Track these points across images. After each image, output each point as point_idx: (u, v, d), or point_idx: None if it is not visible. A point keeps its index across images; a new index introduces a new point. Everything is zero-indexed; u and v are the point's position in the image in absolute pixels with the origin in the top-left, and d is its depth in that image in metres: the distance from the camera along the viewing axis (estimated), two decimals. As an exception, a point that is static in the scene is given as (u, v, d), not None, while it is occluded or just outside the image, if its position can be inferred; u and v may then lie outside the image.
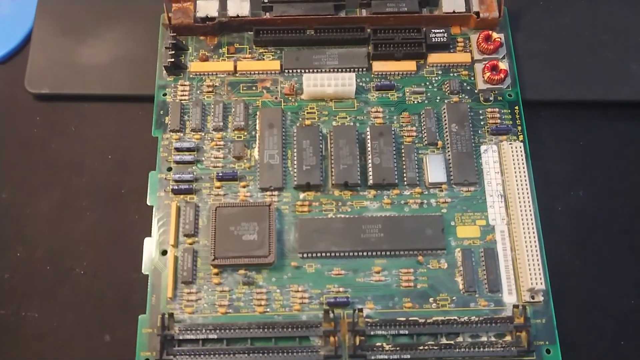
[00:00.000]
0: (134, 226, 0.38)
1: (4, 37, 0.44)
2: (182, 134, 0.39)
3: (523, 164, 0.38)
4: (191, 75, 0.41)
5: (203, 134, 0.39)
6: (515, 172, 0.38)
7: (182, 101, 0.40)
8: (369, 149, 0.38)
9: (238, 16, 0.41)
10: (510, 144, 0.39)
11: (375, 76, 0.41)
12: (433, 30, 0.41)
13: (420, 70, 0.41)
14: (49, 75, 0.42)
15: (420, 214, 0.37)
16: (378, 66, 0.41)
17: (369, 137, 0.39)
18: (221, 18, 0.41)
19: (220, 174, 0.38)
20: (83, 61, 0.42)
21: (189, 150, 0.39)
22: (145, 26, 0.43)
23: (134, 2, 0.44)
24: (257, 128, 0.39)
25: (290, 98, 0.41)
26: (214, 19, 0.41)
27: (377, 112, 0.40)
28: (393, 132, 0.39)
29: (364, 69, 0.41)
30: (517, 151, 0.38)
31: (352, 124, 0.40)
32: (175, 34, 0.41)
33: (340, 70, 0.41)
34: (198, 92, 0.41)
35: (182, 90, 0.41)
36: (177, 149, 0.39)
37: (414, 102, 0.41)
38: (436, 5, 0.43)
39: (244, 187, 0.38)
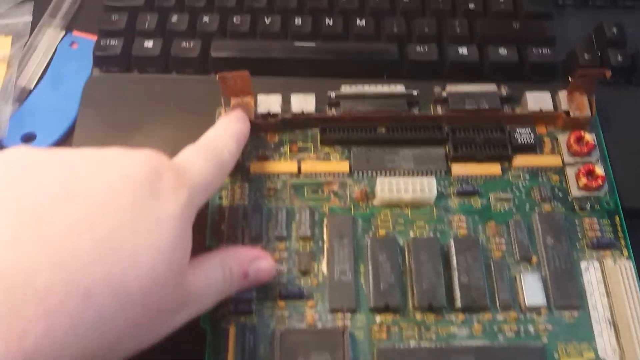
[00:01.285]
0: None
1: (44, 130, 0.40)
2: (240, 244, 0.35)
3: (634, 285, 0.33)
4: (250, 177, 0.37)
5: (263, 244, 0.35)
6: (624, 295, 0.33)
7: (239, 206, 0.36)
8: (455, 264, 0.34)
9: (303, 113, 0.38)
10: (615, 260, 0.34)
11: (455, 180, 0.38)
12: (518, 130, 0.38)
13: (505, 173, 0.38)
14: None
15: (518, 344, 0.32)
16: (458, 169, 0.38)
17: (453, 250, 0.34)
18: (284, 114, 0.38)
19: (284, 292, 0.34)
20: None
21: (247, 263, 0.34)
22: (198, 122, 0.39)
23: (186, 95, 0.41)
24: (325, 238, 0.36)
25: (360, 204, 0.37)
26: (277, 115, 0.38)
27: (459, 221, 0.37)
28: (480, 245, 0.35)
29: (443, 172, 0.38)
30: (624, 270, 0.34)
31: (432, 234, 0.36)
32: (233, 131, 0.37)
33: (416, 173, 0.38)
34: (258, 195, 0.37)
35: (240, 194, 0.37)
36: (235, 262, 0.34)
37: (500, 210, 0.37)
38: (518, 103, 0.39)
39: (311, 307, 0.33)
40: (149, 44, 0.41)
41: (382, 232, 0.36)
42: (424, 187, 0.36)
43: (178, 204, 0.27)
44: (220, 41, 0.41)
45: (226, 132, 0.35)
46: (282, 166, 0.37)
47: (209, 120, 0.38)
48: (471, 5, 0.42)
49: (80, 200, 0.24)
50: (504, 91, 0.39)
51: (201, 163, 0.31)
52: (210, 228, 0.36)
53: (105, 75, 0.41)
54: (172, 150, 0.38)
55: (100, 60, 0.41)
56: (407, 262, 0.35)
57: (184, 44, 0.41)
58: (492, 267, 0.35)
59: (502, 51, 0.41)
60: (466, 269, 0.34)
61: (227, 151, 0.33)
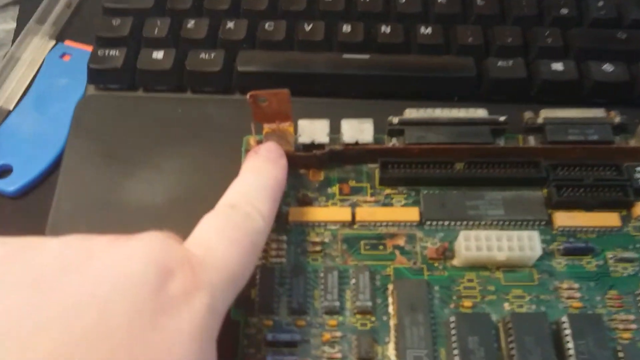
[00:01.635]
0: None
1: (23, 162, 0.33)
2: (276, 318, 0.27)
3: None
4: (288, 227, 0.30)
5: (309, 319, 0.27)
6: None
7: (275, 265, 0.29)
8: (571, 350, 0.26)
9: (357, 143, 0.30)
10: None
11: (559, 233, 0.30)
12: (638, 169, 0.29)
13: (626, 225, 0.30)
14: (80, 217, 0.31)
15: None
16: (562, 218, 0.30)
17: (568, 331, 0.26)
18: (333, 145, 0.30)
19: (340, 388, 0.26)
20: (130, 201, 0.32)
21: (287, 344, 0.27)
22: (220, 155, 0.32)
23: (204, 119, 0.34)
24: (391, 311, 0.28)
25: (436, 264, 0.29)
26: (323, 146, 0.30)
27: (570, 289, 0.28)
28: (604, 325, 0.27)
29: (542, 223, 0.30)
30: None
31: (532, 306, 0.28)
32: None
33: (507, 223, 0.30)
34: (299, 251, 0.29)
35: (275, 249, 0.29)
36: (270, 343, 0.27)
37: (622, 273, 0.29)
38: (632, 133, 0.31)
39: (376, 409, 0.25)
40: (158, 55, 0.35)
41: (467, 303, 0.28)
42: (524, 244, 0.28)
43: (195, 317, 0.20)
44: (249, 52, 0.35)
45: (258, 184, 0.27)
46: (330, 213, 0.30)
47: (233, 154, 0.31)
48: (563, 11, 0.35)
49: (52, 328, 0.18)
50: (616, 118, 0.31)
51: (225, 245, 0.24)
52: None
53: (102, 94, 0.36)
54: (185, 195, 0.32)
55: (97, 75, 0.35)
56: (503, 346, 0.27)
57: (203, 55, 0.35)
58: (622, 354, 0.26)
59: (608, 68, 0.33)
60: (588, 358, 0.25)
61: (261, 217, 0.25)
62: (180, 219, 0.25)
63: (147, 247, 0.21)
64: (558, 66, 0.34)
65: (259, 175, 0.28)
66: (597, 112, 0.31)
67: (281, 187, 0.28)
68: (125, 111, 0.34)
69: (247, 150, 0.31)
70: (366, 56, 0.35)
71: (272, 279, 0.28)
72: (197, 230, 0.24)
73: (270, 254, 0.29)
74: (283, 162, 0.29)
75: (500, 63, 0.35)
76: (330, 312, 0.27)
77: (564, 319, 0.26)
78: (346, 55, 0.35)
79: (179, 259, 0.21)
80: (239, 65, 0.35)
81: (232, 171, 0.30)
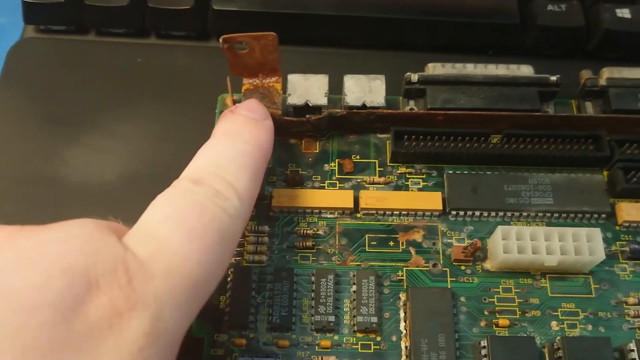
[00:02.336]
0: None
1: None
2: (252, 335, 0.22)
3: None
4: (272, 213, 0.25)
5: (295, 337, 0.22)
6: None
7: (253, 265, 0.23)
8: None
9: (364, 106, 0.25)
10: None
11: (624, 230, 0.24)
12: None
13: None
14: (5, 195, 0.26)
15: None
16: (630, 211, 0.25)
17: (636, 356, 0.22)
18: (333, 109, 0.25)
19: None
20: (71, 175, 0.27)
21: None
22: (189, 116, 0.28)
23: (170, 70, 0.30)
24: (403, 329, 0.22)
25: (463, 268, 0.24)
26: (320, 109, 0.25)
27: (639, 304, 0.23)
28: None
29: (603, 216, 0.24)
30: None
31: (588, 326, 0.23)
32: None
33: (558, 215, 0.24)
34: (284, 246, 0.24)
35: (253, 243, 0.24)
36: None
37: None
38: None
39: None
40: (114, -11, 0.32)
41: (503, 321, 0.23)
42: (582, 245, 0.23)
43: (127, 351, 0.15)
44: (228, -14, 0.31)
45: (233, 152, 0.21)
46: (327, 197, 0.25)
47: (207, 117, 0.27)
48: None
49: None
50: (701, 82, 0.26)
51: (182, 238, 0.18)
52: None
53: (42, 37, 0.32)
54: (143, 169, 0.27)
55: (34, 12, 0.31)
56: (553, 375, 0.22)
57: None
58: None
59: (688, 15, 0.27)
60: (664, 397, 0.21)
61: (236, 196, 0.20)
62: (136, 201, 0.20)
63: (60, 245, 0.16)
64: (624, 12, 0.30)
65: (235, 140, 0.22)
66: (676, 74, 0.26)
67: (265, 157, 0.22)
68: (70, 60, 0.30)
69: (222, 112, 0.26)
70: (379, -6, 0.29)
71: (248, 284, 0.23)
72: (144, 217, 0.18)
73: (247, 250, 0.24)
74: (268, 124, 0.23)
75: (550, 7, 0.30)
76: (323, 329, 0.23)
77: (632, 345, 0.22)
78: (354, -8, 0.29)
79: (109, 263, 0.16)
80: (215, 2, 0.30)
81: (204, 139, 0.26)
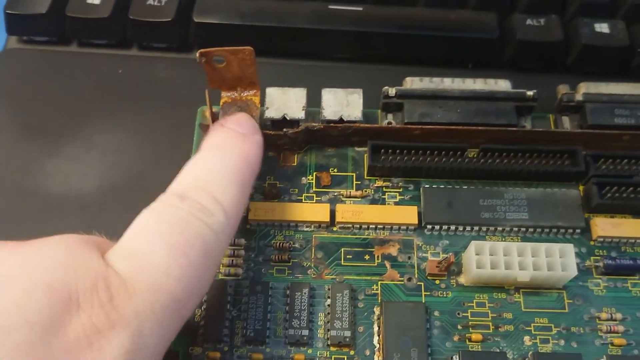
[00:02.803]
0: None
1: None
2: (226, 349, 0.22)
3: None
4: (249, 226, 0.25)
5: (269, 350, 0.22)
6: None
7: (228, 278, 0.24)
8: None
9: (342, 120, 0.25)
10: None
11: (599, 245, 0.25)
12: (699, 165, 0.25)
13: None
14: None
15: None
16: (604, 227, 0.25)
17: None
18: (311, 122, 0.25)
19: None
20: (52, 186, 0.27)
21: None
22: (170, 127, 0.28)
23: (151, 82, 0.30)
24: (377, 343, 0.23)
25: (438, 282, 0.24)
26: (297, 122, 0.25)
27: (611, 320, 0.23)
28: None
29: (578, 231, 0.25)
30: None
31: (561, 341, 0.23)
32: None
33: (532, 230, 0.25)
34: (260, 260, 0.24)
35: (229, 257, 0.24)
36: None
37: None
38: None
39: None
40: (95, -1, 0.32)
41: (476, 336, 0.23)
42: (555, 261, 0.23)
43: None
44: (208, -1, 0.31)
45: (220, 166, 0.21)
46: (304, 211, 0.25)
47: (187, 128, 0.27)
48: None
49: None
50: (675, 97, 0.26)
51: (166, 254, 0.18)
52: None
53: (24, 48, 0.32)
54: (124, 180, 0.27)
55: (16, 23, 0.31)
56: (526, 395, 0.22)
57: (152, 0, 0.31)
58: (678, 413, 0.21)
59: (667, 32, 0.28)
60: (634, 417, 0.20)
61: (221, 211, 0.20)
62: (116, 212, 0.21)
63: (41, 262, 0.16)
64: (603, 27, 0.30)
65: (223, 154, 0.22)
66: (650, 88, 0.27)
67: (252, 172, 0.23)
68: (52, 70, 0.30)
69: (203, 125, 0.27)
70: (359, 7, 0.31)
71: (223, 297, 0.23)
72: (128, 233, 0.19)
73: (223, 263, 0.24)
74: (257, 138, 0.23)
75: (529, 21, 0.30)
76: (297, 343, 0.23)
77: (604, 360, 0.22)
78: (333, 6, 0.31)
79: (90, 280, 0.16)
80: (196, 15, 0.31)
81: (185, 150, 0.27)
